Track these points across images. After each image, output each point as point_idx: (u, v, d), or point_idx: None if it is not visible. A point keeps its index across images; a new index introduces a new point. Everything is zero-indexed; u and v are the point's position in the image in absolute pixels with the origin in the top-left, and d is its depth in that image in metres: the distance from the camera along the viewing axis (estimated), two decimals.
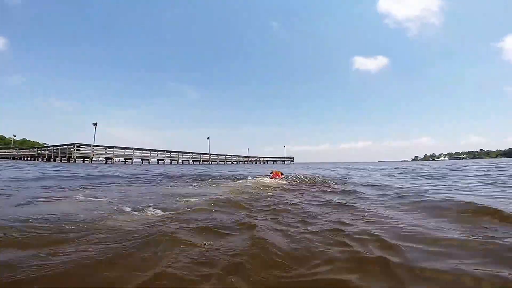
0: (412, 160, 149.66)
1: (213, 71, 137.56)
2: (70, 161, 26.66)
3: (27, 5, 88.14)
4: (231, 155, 49.23)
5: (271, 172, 7.22)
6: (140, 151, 33.39)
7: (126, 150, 31.63)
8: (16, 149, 37.25)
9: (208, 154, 43.69)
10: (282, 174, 7.01)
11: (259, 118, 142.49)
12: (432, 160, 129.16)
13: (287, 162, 57.76)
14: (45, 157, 31.73)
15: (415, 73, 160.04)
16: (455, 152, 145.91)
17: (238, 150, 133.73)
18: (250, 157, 54.83)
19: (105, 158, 30.68)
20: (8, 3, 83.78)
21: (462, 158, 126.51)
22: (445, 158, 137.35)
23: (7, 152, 36.38)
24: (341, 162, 57.83)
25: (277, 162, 58.04)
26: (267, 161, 57.94)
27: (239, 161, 50.61)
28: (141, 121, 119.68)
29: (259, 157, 57.47)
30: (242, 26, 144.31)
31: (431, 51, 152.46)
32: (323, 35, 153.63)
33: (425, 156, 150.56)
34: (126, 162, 31.35)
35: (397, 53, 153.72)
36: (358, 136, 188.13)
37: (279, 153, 62.75)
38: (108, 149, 30.10)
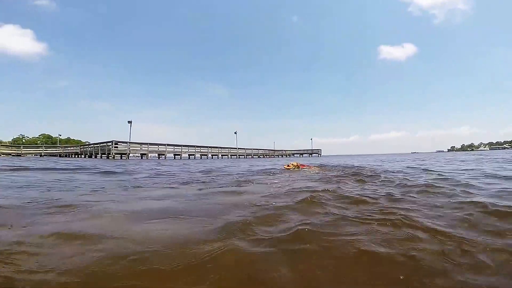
0: (448, 150, 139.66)
1: (239, 68, 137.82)
2: (109, 157, 28.19)
3: (62, 10, 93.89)
4: (257, 149, 49.20)
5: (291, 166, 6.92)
6: (172, 147, 34.43)
7: (159, 146, 32.79)
8: (62, 147, 40.47)
9: (236, 148, 44.07)
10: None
11: (285, 111, 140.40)
12: (470, 150, 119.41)
13: (315, 155, 56.54)
14: (87, 154, 33.97)
15: (449, 60, 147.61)
16: (497, 142, 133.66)
17: (264, 143, 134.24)
18: (276, 150, 54.46)
19: (140, 154, 32.03)
20: (43, 9, 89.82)
21: (504, 148, 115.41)
22: (485, 148, 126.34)
23: (55, 150, 39.66)
24: (372, 154, 55.18)
25: (303, 155, 57.04)
26: (293, 154, 57.09)
27: (265, 155, 50.44)
28: (171, 118, 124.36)
29: (285, 150, 56.88)
30: (263, 21, 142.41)
31: (462, 36, 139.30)
32: (346, 26, 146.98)
33: (462, 146, 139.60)
34: (160, 158, 32.58)
35: (425, 40, 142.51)
36: (390, 127, 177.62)
37: (306, 146, 61.57)
38: (143, 146, 31.39)
